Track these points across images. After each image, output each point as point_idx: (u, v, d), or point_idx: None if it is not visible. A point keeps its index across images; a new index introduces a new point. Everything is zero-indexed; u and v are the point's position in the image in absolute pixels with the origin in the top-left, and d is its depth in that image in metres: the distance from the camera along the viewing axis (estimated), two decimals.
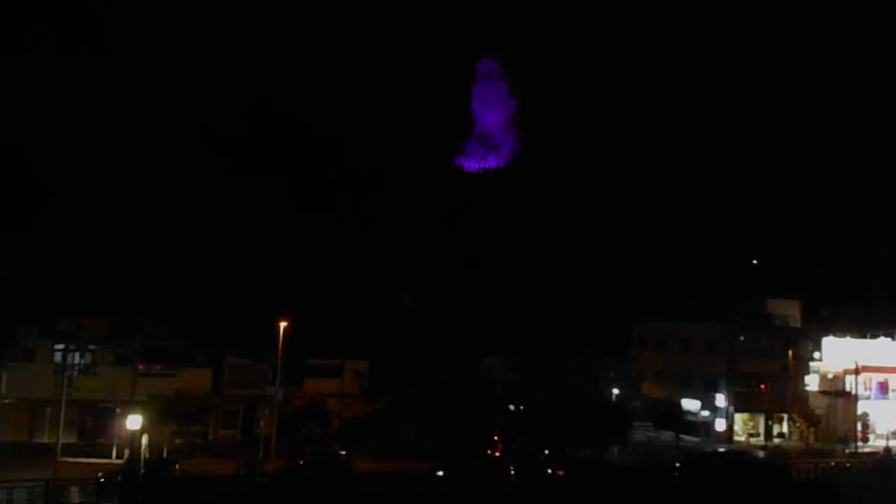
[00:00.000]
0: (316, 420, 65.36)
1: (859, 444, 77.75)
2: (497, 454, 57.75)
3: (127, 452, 54.40)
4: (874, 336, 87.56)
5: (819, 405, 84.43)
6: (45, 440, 57.35)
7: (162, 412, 59.25)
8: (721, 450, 69.28)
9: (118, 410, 57.32)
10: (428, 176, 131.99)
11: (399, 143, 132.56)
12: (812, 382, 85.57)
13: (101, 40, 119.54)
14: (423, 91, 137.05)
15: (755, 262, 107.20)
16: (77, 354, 61.48)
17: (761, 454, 70.68)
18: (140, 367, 62.41)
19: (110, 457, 56.77)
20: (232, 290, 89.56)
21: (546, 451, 62.47)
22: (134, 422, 45.93)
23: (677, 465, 60.15)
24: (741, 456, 61.48)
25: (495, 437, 64.75)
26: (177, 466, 51.32)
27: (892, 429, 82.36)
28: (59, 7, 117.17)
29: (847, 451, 75.97)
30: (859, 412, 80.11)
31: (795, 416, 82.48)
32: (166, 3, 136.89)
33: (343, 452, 55.83)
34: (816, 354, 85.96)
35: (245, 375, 68.92)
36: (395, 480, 48.70)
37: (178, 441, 60.79)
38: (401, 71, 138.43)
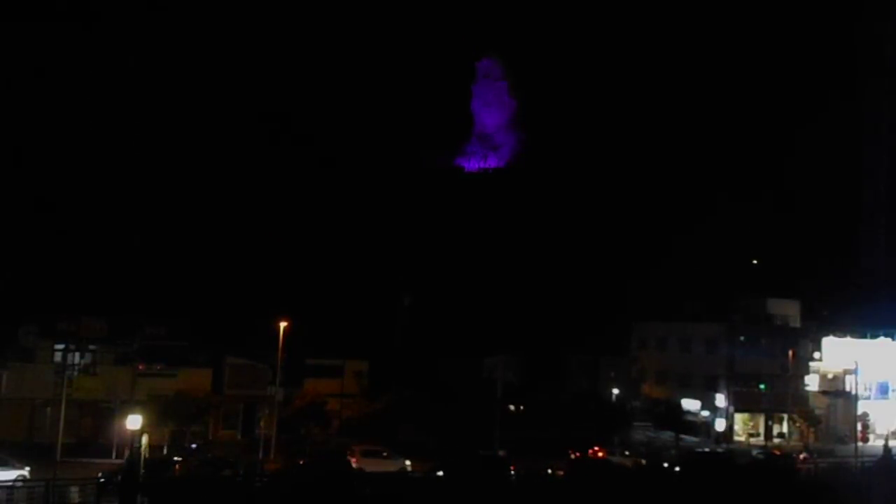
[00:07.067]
0: (316, 420, 65.30)
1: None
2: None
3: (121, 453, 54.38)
4: (874, 336, 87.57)
5: (819, 405, 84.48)
6: (46, 440, 57.36)
7: (162, 412, 59.20)
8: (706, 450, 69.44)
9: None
10: (427, 176, 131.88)
11: (399, 143, 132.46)
12: (812, 382, 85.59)
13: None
14: (423, 91, 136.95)
15: (755, 262, 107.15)
16: (77, 354, 61.56)
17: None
18: (140, 367, 62.46)
19: (110, 457, 56.83)
20: (232, 290, 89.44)
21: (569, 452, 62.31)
22: (134, 422, 45.85)
23: (667, 465, 60.30)
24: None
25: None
26: (177, 466, 51.34)
27: (893, 429, 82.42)
28: None
29: None
30: (859, 412, 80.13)
31: (795, 416, 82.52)
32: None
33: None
34: (816, 354, 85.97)
35: (245, 375, 69.01)
36: (394, 480, 48.77)
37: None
38: (400, 71, 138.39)
